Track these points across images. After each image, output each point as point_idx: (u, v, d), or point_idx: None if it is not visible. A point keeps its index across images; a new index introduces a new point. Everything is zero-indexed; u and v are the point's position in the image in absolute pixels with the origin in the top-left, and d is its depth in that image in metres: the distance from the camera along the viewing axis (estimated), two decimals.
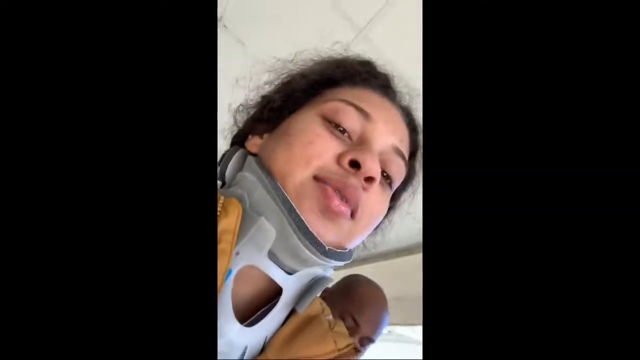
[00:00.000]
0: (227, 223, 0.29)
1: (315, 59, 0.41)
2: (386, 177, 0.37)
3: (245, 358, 0.32)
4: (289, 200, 0.32)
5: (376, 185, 0.35)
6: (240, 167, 0.38)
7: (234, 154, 0.38)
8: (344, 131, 0.35)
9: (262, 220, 0.31)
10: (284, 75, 0.41)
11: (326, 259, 0.32)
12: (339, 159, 0.34)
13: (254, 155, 0.37)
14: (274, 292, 0.34)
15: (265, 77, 0.41)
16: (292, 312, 0.36)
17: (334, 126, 0.35)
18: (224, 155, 0.41)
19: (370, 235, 0.43)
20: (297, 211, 0.31)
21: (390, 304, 0.94)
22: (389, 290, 0.95)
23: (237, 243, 0.30)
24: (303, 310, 0.35)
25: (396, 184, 0.39)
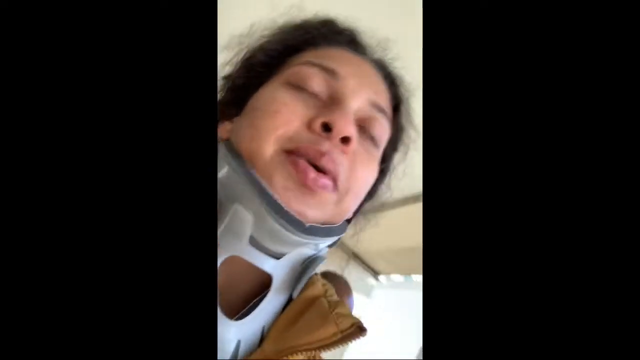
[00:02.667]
0: None
1: (272, 28, 0.38)
2: (369, 137, 0.34)
3: (240, 352, 0.29)
4: (258, 181, 0.29)
5: (354, 146, 0.31)
6: None
7: None
8: (311, 95, 0.32)
9: (236, 207, 0.29)
10: (242, 52, 0.38)
11: (309, 236, 0.29)
12: (309, 124, 0.31)
13: (224, 141, 0.35)
14: (266, 280, 0.32)
15: (222, 57, 0.38)
16: (292, 299, 0.33)
17: (300, 91, 0.32)
18: None
19: (368, 202, 0.40)
20: (269, 190, 0.29)
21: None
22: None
23: None
24: (297, 294, 0.32)
25: (382, 142, 0.35)
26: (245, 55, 0.38)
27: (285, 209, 0.28)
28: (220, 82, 0.39)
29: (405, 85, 0.40)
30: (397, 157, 0.41)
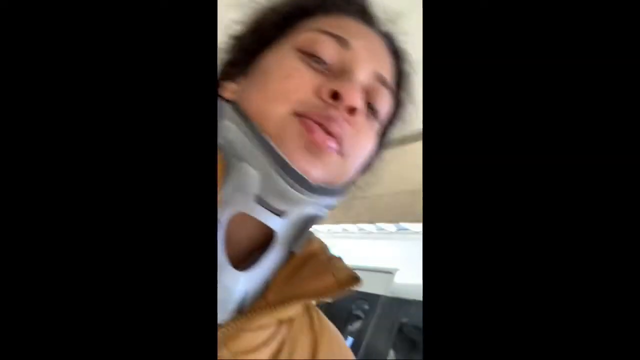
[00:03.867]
0: None
1: None
2: (371, 109, 0.35)
3: (245, 302, 0.31)
4: (267, 140, 0.30)
5: (360, 116, 0.33)
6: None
7: None
8: (322, 62, 0.33)
9: (244, 165, 0.30)
10: (253, 11, 0.38)
11: (314, 195, 0.31)
12: (318, 91, 0.31)
13: (230, 102, 0.35)
14: (269, 237, 0.33)
15: (231, 15, 0.38)
16: (292, 254, 0.35)
17: (311, 58, 0.33)
18: None
19: (362, 175, 0.41)
20: (278, 150, 0.30)
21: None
22: None
23: (222, 192, 0.29)
24: (299, 250, 0.34)
25: (382, 115, 0.36)
26: (256, 15, 0.38)
27: (293, 167, 0.29)
28: (228, 42, 0.39)
29: (409, 61, 0.41)
30: (392, 132, 0.42)
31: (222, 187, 0.30)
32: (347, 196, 0.38)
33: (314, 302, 0.32)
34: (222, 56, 0.39)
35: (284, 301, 0.31)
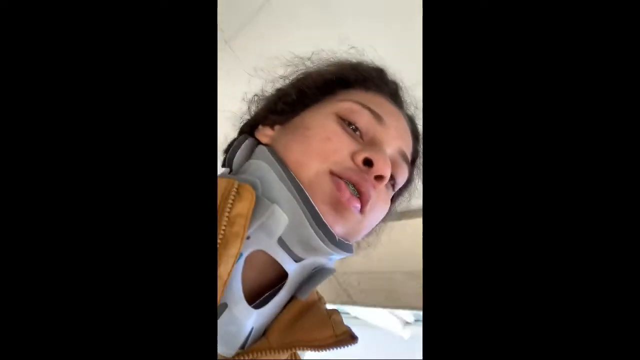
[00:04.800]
0: (241, 207, 0.30)
1: (331, 59, 0.43)
2: (391, 179, 0.39)
3: (249, 340, 0.32)
4: (303, 190, 0.33)
5: (383, 184, 0.36)
6: (248, 156, 0.38)
7: (243, 142, 0.39)
8: (356, 130, 0.37)
9: (275, 207, 0.32)
10: (300, 72, 0.42)
11: (336, 249, 0.34)
12: (353, 156, 0.35)
13: (264, 144, 0.38)
14: (278, 277, 0.35)
15: (282, 71, 0.42)
16: (292, 298, 0.37)
17: (348, 125, 0.37)
18: (232, 142, 0.41)
19: (365, 235, 0.45)
20: (312, 200, 0.32)
21: None
22: None
23: (249, 228, 0.31)
24: (305, 298, 0.36)
25: (398, 185, 0.41)
26: (301, 75, 0.42)
27: (324, 221, 0.32)
28: (273, 92, 0.42)
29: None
30: (399, 200, 0.46)
31: (249, 223, 0.31)
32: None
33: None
34: (263, 103, 0.43)
35: (284, 346, 0.33)
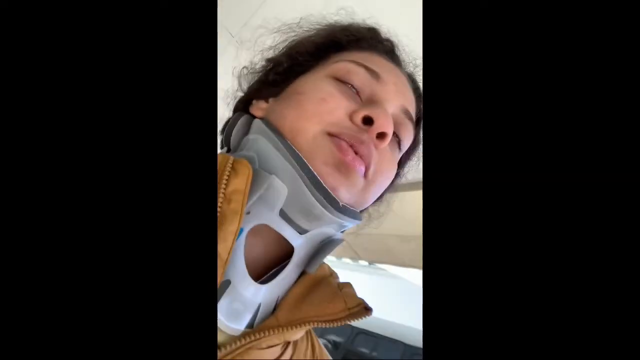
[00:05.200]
0: (237, 183, 0.29)
1: (321, 23, 0.41)
2: (396, 139, 0.37)
3: (258, 315, 0.31)
4: (300, 156, 0.31)
5: (387, 143, 0.34)
6: (245, 132, 0.37)
7: (238, 120, 0.37)
8: (354, 90, 0.35)
9: (273, 178, 0.31)
10: (289, 39, 0.40)
11: (340, 215, 0.32)
12: (351, 115, 0.33)
13: (260, 118, 0.37)
14: (285, 252, 0.34)
15: (270, 41, 0.40)
16: (302, 273, 0.35)
17: (345, 85, 0.35)
18: (227, 121, 0.40)
19: (375, 204, 0.43)
20: (310, 166, 0.31)
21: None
22: None
23: (247, 202, 0.29)
24: (314, 271, 0.34)
25: (404, 147, 0.39)
26: (291, 43, 0.40)
27: (324, 185, 0.30)
28: (263, 63, 0.41)
29: None
30: (408, 165, 0.44)
31: (248, 198, 0.30)
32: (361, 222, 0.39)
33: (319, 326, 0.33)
34: (254, 76, 0.41)
35: (295, 323, 0.31)
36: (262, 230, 0.32)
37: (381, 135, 0.33)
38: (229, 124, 0.38)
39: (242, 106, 0.41)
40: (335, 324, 0.32)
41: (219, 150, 0.39)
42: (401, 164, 0.42)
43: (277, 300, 0.33)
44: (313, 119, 0.32)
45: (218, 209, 0.27)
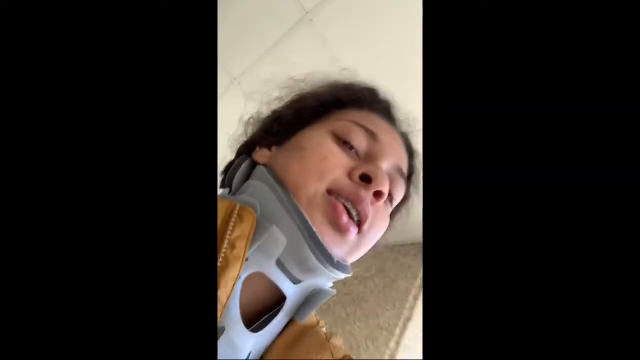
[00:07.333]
0: (241, 230, 0.30)
1: (325, 80, 0.44)
2: (388, 195, 0.39)
3: None
4: (301, 211, 0.33)
5: (383, 201, 0.37)
6: (247, 176, 0.39)
7: (242, 163, 0.39)
8: (352, 148, 0.37)
9: (274, 229, 0.32)
10: (295, 93, 0.43)
11: (334, 270, 0.33)
12: (350, 173, 0.36)
13: (262, 165, 0.39)
14: (276, 300, 0.35)
15: (277, 93, 0.43)
16: (289, 322, 0.36)
17: (344, 143, 0.37)
18: (230, 163, 0.42)
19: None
20: (310, 222, 0.32)
21: None
22: None
23: (248, 250, 0.31)
24: (304, 321, 0.35)
25: (396, 202, 0.41)
26: (296, 96, 0.43)
27: (321, 241, 0.32)
28: (268, 113, 0.43)
29: (419, 159, 0.46)
30: (397, 217, 0.47)
31: (249, 245, 0.31)
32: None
33: None
34: (259, 124, 0.44)
35: None
36: (256, 277, 0.33)
37: (378, 194, 0.35)
38: (233, 166, 0.40)
39: (245, 150, 0.43)
40: None
41: (220, 190, 0.40)
42: (391, 216, 0.44)
43: (265, 348, 0.34)
44: (315, 175, 0.34)
45: (222, 254, 0.28)
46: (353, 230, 0.34)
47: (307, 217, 0.33)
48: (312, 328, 0.37)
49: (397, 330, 1.29)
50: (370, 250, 0.42)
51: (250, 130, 0.44)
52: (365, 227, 0.35)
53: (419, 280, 1.48)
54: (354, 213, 0.35)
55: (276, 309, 0.34)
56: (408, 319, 1.36)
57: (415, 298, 1.42)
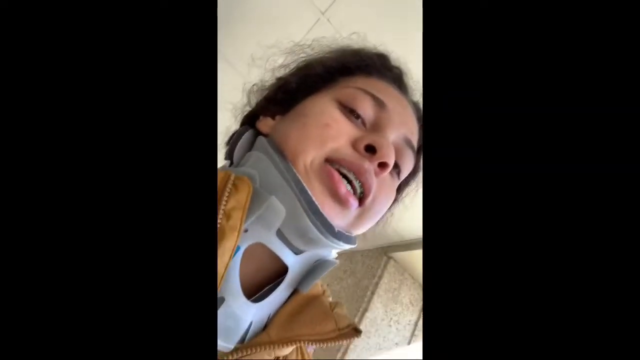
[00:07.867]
0: (236, 200, 0.29)
1: (332, 46, 0.42)
2: (395, 167, 0.38)
3: (249, 333, 0.32)
4: (300, 181, 0.32)
5: (387, 172, 0.35)
6: (249, 147, 0.38)
7: (243, 134, 0.38)
8: (358, 117, 0.36)
9: (273, 199, 0.31)
10: (300, 60, 0.41)
11: (335, 240, 0.32)
12: (354, 143, 0.34)
13: (265, 135, 0.37)
14: (279, 271, 0.35)
15: (282, 60, 0.41)
16: (294, 292, 0.36)
17: (350, 112, 0.36)
18: (233, 134, 0.41)
19: (373, 226, 0.43)
20: (309, 192, 0.31)
21: None
22: None
23: (246, 220, 0.30)
24: (307, 291, 0.35)
25: (403, 175, 0.39)
26: (302, 63, 0.41)
27: (321, 211, 0.31)
28: (272, 81, 0.42)
29: None
30: (407, 190, 0.45)
31: (246, 215, 0.30)
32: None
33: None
34: (263, 93, 0.42)
35: (286, 340, 0.32)
36: (256, 248, 0.32)
37: (382, 165, 0.34)
38: (235, 137, 0.39)
39: (249, 120, 0.42)
40: (325, 344, 0.33)
41: (222, 162, 0.40)
42: (399, 189, 0.42)
43: (268, 318, 0.34)
44: (315, 143, 0.33)
45: (218, 226, 0.28)
46: (354, 202, 0.33)
47: (305, 187, 0.31)
48: (318, 298, 0.36)
49: (356, 319, 1.73)
50: (378, 222, 0.41)
51: (254, 99, 0.43)
52: (368, 199, 0.34)
53: (376, 279, 1.83)
54: (357, 184, 0.33)
55: (278, 280, 0.34)
56: (365, 310, 1.76)
57: (372, 293, 1.80)
